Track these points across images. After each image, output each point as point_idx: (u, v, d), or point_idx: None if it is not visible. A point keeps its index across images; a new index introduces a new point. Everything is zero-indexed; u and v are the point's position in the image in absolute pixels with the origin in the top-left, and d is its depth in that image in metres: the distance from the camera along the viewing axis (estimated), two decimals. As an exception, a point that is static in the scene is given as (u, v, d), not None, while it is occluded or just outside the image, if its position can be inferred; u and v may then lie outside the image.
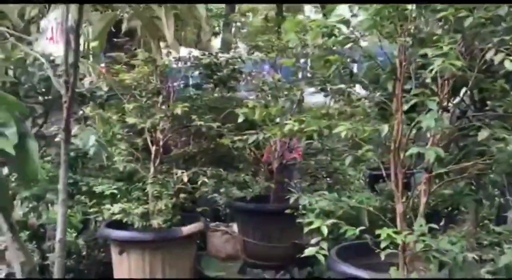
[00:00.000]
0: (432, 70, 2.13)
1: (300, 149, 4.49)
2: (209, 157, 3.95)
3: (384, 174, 2.77)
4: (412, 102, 2.10)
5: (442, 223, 4.41)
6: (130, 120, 3.48)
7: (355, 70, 3.23)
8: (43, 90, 4.30)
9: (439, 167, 2.63)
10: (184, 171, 3.54)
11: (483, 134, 2.13)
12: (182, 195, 3.73)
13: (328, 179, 5.04)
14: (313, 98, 4.26)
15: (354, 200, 2.78)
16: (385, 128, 2.16)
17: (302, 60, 4.93)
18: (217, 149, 3.89)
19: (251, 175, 3.95)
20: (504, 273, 2.32)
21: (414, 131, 2.70)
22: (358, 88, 3.25)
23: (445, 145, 2.98)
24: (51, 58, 3.81)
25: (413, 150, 2.10)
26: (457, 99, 2.80)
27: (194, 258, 3.80)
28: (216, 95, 3.83)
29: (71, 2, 2.09)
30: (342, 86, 3.23)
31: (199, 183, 3.50)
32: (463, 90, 2.74)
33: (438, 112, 2.14)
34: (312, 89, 3.72)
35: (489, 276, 2.18)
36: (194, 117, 3.53)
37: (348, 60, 3.03)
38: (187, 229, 3.58)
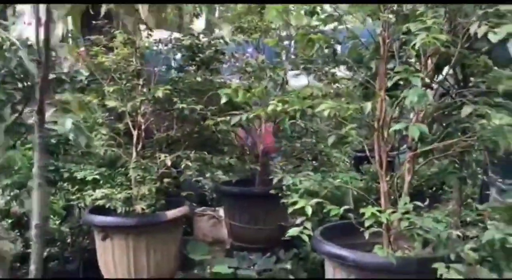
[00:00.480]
0: (415, 45, 2.10)
1: (270, 134, 4.47)
2: (193, 141, 3.89)
3: (368, 155, 2.77)
4: (395, 78, 2.07)
5: (426, 203, 4.44)
6: (110, 103, 3.40)
7: (339, 51, 3.20)
8: (22, 76, 4.18)
9: (423, 145, 2.62)
10: (167, 155, 3.48)
11: (466, 110, 2.11)
12: (166, 180, 3.68)
13: (314, 161, 5.04)
14: (298, 81, 4.22)
15: (338, 180, 2.75)
16: (368, 105, 2.13)
17: (286, 42, 4.89)
18: (201, 132, 3.83)
19: (235, 158, 3.91)
20: (487, 248, 2.32)
21: (397, 110, 2.70)
22: (343, 69, 3.22)
23: (429, 124, 2.98)
24: (29, 43, 3.70)
25: (397, 126, 2.08)
26: (441, 77, 2.79)
27: (179, 242, 3.76)
28: (198, 77, 3.75)
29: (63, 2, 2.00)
30: (326, 67, 3.21)
31: (182, 166, 3.45)
32: (447, 68, 2.73)
33: (422, 89, 2.11)
34: (297, 72, 3.68)
35: (472, 253, 2.17)
36: (175, 100, 3.46)
37: (332, 41, 3.00)
38: (171, 214, 3.54)
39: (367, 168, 5.05)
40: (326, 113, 2.19)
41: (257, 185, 4.51)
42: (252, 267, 3.78)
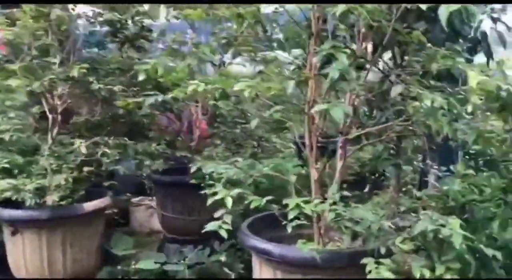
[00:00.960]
0: (345, 22, 1.90)
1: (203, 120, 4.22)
2: (118, 126, 3.57)
3: (298, 140, 2.58)
4: (322, 53, 1.84)
5: (366, 190, 4.33)
6: (13, 82, 3.02)
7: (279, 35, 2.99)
8: None
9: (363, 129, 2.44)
10: (82, 141, 3.14)
11: (396, 90, 1.92)
12: (86, 168, 3.35)
13: (257, 148, 4.85)
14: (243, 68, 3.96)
15: (266, 168, 2.53)
16: (290, 84, 1.90)
17: (229, 24, 4.61)
18: (125, 117, 3.51)
19: (165, 145, 3.62)
20: (420, 239, 2.19)
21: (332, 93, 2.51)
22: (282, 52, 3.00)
23: (369, 108, 2.81)
24: None
25: (320, 107, 1.86)
26: (381, 62, 2.62)
27: (101, 236, 3.45)
28: (124, 55, 3.41)
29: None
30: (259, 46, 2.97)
31: (98, 154, 3.12)
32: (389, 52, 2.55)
33: (351, 66, 1.91)
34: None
35: (402, 245, 2.02)
36: (91, 79, 3.11)
37: (274, 25, 2.78)
38: (91, 205, 3.22)
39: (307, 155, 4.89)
40: (246, 94, 1.95)
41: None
42: (182, 261, 3.52)
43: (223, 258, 3.76)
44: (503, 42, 3.78)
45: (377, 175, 5.19)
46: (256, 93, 1.98)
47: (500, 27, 3.53)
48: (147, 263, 3.27)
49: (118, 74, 3.45)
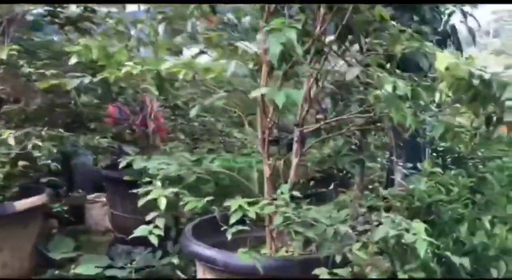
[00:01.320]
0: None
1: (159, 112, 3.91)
2: (59, 116, 3.23)
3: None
4: (265, 29, 1.56)
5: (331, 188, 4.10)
6: None
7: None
8: None
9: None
10: (12, 132, 2.80)
11: (352, 73, 1.66)
12: (21, 163, 3.01)
13: (221, 143, 4.59)
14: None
15: (214, 164, 2.26)
16: (231, 64, 1.62)
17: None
18: (66, 106, 3.17)
19: (111, 138, 3.30)
20: (382, 246, 1.95)
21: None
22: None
23: (334, 102, 2.58)
24: None
25: (261, 90, 1.59)
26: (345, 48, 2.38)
27: (37, 237, 3.12)
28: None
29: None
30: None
31: (29, 147, 2.78)
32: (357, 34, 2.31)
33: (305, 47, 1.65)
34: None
35: (360, 252, 1.77)
36: (22, 63, 2.77)
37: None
38: (22, 204, 2.88)
39: (272, 151, 4.63)
40: (181, 76, 1.67)
41: (145, 169, 3.91)
42: (129, 264, 3.22)
43: (175, 261, 3.47)
44: (473, 37, 3.59)
45: (344, 172, 4.97)
46: (194, 76, 1.69)
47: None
48: (88, 268, 2.96)
49: (58, 58, 3.10)
